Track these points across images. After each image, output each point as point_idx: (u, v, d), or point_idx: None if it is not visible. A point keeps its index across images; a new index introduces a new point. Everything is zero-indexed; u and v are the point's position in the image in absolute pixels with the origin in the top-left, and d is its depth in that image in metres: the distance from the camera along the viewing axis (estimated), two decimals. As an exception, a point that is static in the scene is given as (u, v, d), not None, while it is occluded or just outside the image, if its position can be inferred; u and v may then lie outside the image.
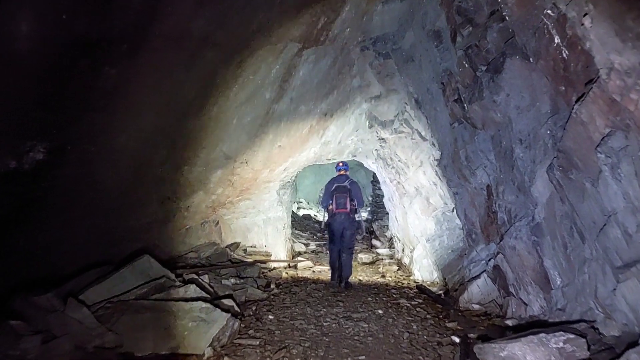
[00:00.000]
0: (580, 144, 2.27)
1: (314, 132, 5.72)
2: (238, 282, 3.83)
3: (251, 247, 5.62)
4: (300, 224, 14.81)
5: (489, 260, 3.45)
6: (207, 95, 4.18)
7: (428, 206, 5.51)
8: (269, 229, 6.09)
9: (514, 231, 3.00)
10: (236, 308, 2.92)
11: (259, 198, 5.93)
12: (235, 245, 5.29)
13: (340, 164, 5.57)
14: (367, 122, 6.21)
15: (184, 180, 4.75)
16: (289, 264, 5.81)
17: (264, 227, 6.04)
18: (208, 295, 2.89)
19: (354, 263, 6.74)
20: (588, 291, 2.21)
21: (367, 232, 12.95)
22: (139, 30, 2.75)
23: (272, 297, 3.69)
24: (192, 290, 2.72)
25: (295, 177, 8.72)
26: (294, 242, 9.71)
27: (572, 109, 2.28)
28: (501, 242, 3.16)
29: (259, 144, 5.17)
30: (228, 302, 2.90)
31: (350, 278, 5.25)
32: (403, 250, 6.73)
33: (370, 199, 19.80)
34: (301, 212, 17.31)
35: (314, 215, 17.07)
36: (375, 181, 15.72)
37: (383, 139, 6.13)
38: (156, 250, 4.91)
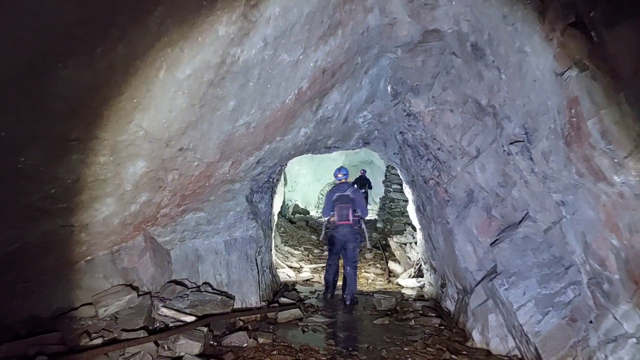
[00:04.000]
0: None
1: (304, 100, 4.23)
2: (153, 374, 2.29)
3: (200, 289, 4.09)
4: (292, 235, 13.30)
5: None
6: (104, 21, 2.65)
7: (490, 222, 4.03)
8: (233, 256, 4.58)
9: None
10: None
11: (216, 208, 4.42)
12: (172, 288, 3.74)
13: (340, 174, 5.89)
14: (390, 87, 4.72)
15: (74, 179, 3.25)
16: (264, 315, 4.28)
17: (225, 253, 4.54)
18: None
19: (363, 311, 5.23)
20: None
21: (378, 248, 11.49)
22: None
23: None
24: None
25: (282, 174, 7.22)
26: (279, 265, 8.19)
27: None
28: None
29: (209, 119, 3.68)
30: None
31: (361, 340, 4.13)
32: (442, 287, 5.22)
33: (378, 204, 18.21)
34: (296, 218, 15.70)
35: (312, 222, 15.52)
36: (388, 181, 14.24)
37: (414, 114, 4.65)
38: (29, 301, 3.40)
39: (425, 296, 5.90)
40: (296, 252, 11.15)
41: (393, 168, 13.14)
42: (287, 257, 9.96)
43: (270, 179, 5.35)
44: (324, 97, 4.46)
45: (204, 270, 4.41)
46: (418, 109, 4.65)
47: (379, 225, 15.30)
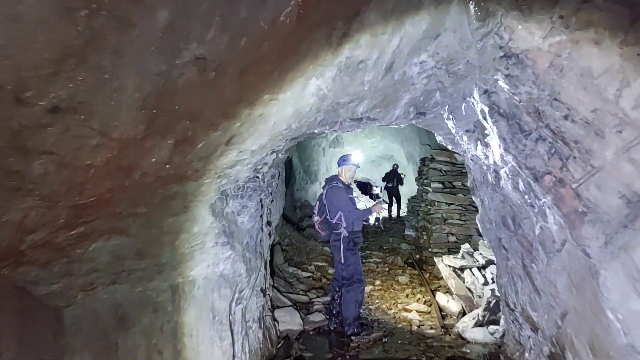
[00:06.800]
0: None
1: (316, 22, 2.59)
2: None
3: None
4: (300, 249, 11.67)
5: None
6: None
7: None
8: (188, 314, 2.95)
9: None
10: None
11: (152, 228, 2.82)
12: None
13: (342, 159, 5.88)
14: (472, 4, 2.99)
15: None
16: None
17: (172, 309, 2.88)
18: None
19: None
20: None
21: (412, 265, 10.19)
22: None
23: None
24: None
25: (282, 168, 5.51)
26: (280, 301, 6.49)
27: None
28: None
29: (114, 43, 1.97)
30: None
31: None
32: (553, 359, 3.46)
33: (406, 208, 17.08)
34: (306, 223, 14.05)
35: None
36: (425, 178, 12.40)
37: (516, 54, 3.07)
38: None
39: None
40: (304, 273, 9.47)
41: (431, 161, 11.43)
42: (292, 284, 8.28)
43: (258, 176, 3.65)
44: (352, 20, 2.75)
45: (129, 346, 2.75)
46: (526, 44, 2.96)
47: (408, 232, 13.95)
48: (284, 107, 2.89)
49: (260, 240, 4.17)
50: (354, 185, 6.21)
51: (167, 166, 2.62)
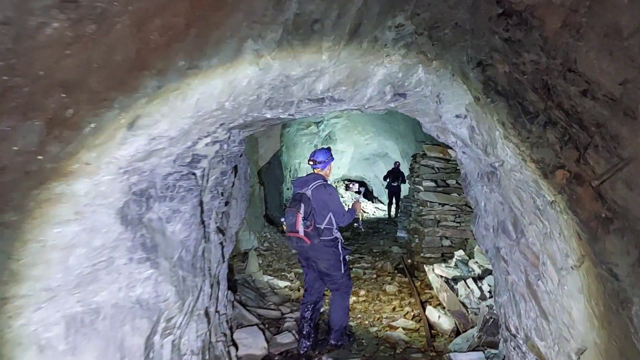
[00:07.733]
0: None
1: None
2: None
3: None
4: (280, 254, 11.22)
5: None
6: None
7: None
8: (85, 356, 2.33)
9: None
10: None
11: (32, 243, 2.12)
12: None
13: (311, 160, 5.46)
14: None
15: None
16: None
17: (66, 348, 2.28)
18: None
19: None
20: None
21: (402, 272, 9.61)
22: None
23: None
24: None
25: (242, 167, 4.91)
26: (245, 319, 5.86)
27: None
28: None
29: None
30: None
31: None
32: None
33: (400, 206, 16.98)
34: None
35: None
36: (417, 176, 11.85)
37: (517, 12, 2.58)
38: None
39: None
40: (282, 283, 8.85)
41: (422, 157, 10.87)
42: (264, 296, 7.64)
43: (195, 172, 3.02)
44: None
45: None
46: (532, -2, 2.36)
47: (400, 235, 13.52)
48: (210, 80, 2.27)
49: (203, 253, 3.49)
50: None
51: (40, 157, 1.98)
